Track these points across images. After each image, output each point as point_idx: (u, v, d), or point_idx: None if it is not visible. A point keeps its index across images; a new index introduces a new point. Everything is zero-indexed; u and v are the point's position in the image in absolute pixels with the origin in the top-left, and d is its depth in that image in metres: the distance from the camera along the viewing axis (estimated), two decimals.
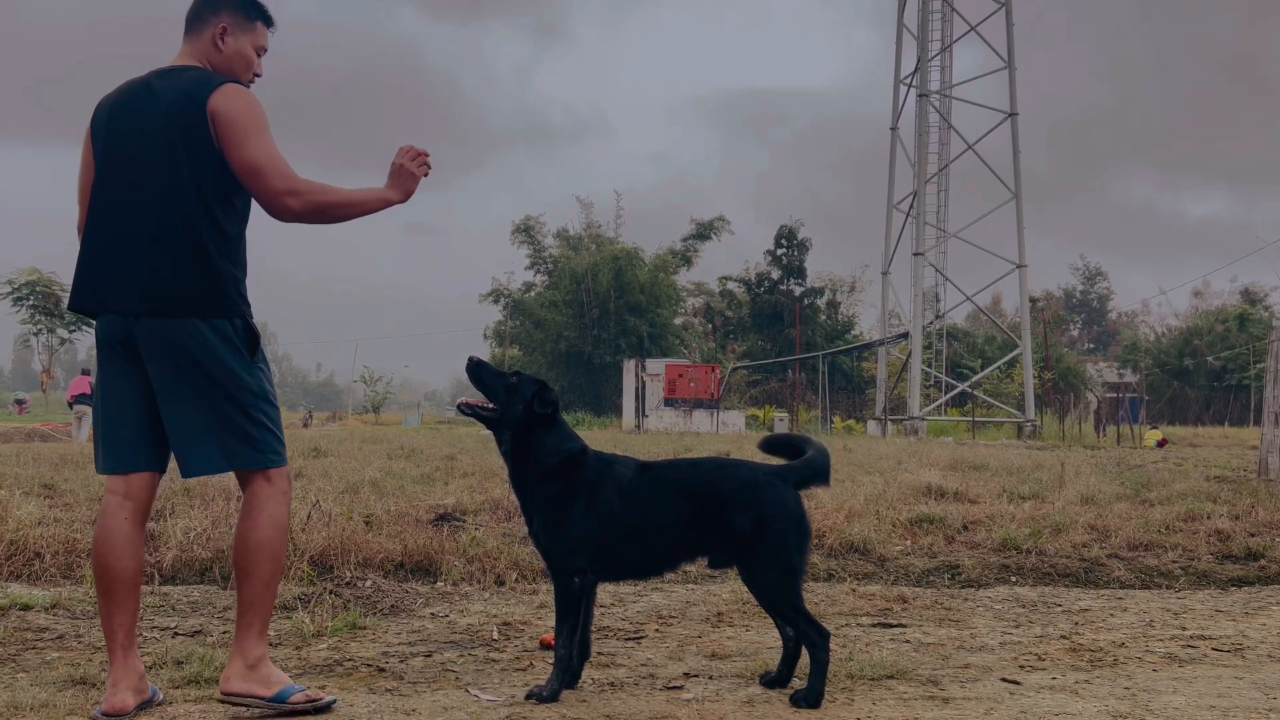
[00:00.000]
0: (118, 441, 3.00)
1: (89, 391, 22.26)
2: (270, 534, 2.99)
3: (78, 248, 3.06)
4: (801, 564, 3.17)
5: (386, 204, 3.09)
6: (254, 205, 3.07)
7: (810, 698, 3.03)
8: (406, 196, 3.12)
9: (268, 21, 3.19)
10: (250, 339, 3.02)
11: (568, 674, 3.14)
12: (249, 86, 3.12)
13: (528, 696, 3.09)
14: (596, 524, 3.16)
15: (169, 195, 2.92)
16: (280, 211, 2.95)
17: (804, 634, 3.10)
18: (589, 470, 3.23)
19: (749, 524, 3.11)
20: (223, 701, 2.93)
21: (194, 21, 3.11)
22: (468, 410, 3.31)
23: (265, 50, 3.20)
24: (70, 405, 22.76)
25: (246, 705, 2.91)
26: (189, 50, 3.11)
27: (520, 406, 3.24)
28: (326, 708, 2.96)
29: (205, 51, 3.09)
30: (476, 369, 3.31)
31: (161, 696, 3.02)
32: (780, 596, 3.12)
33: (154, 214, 2.93)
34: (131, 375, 2.97)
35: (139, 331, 2.92)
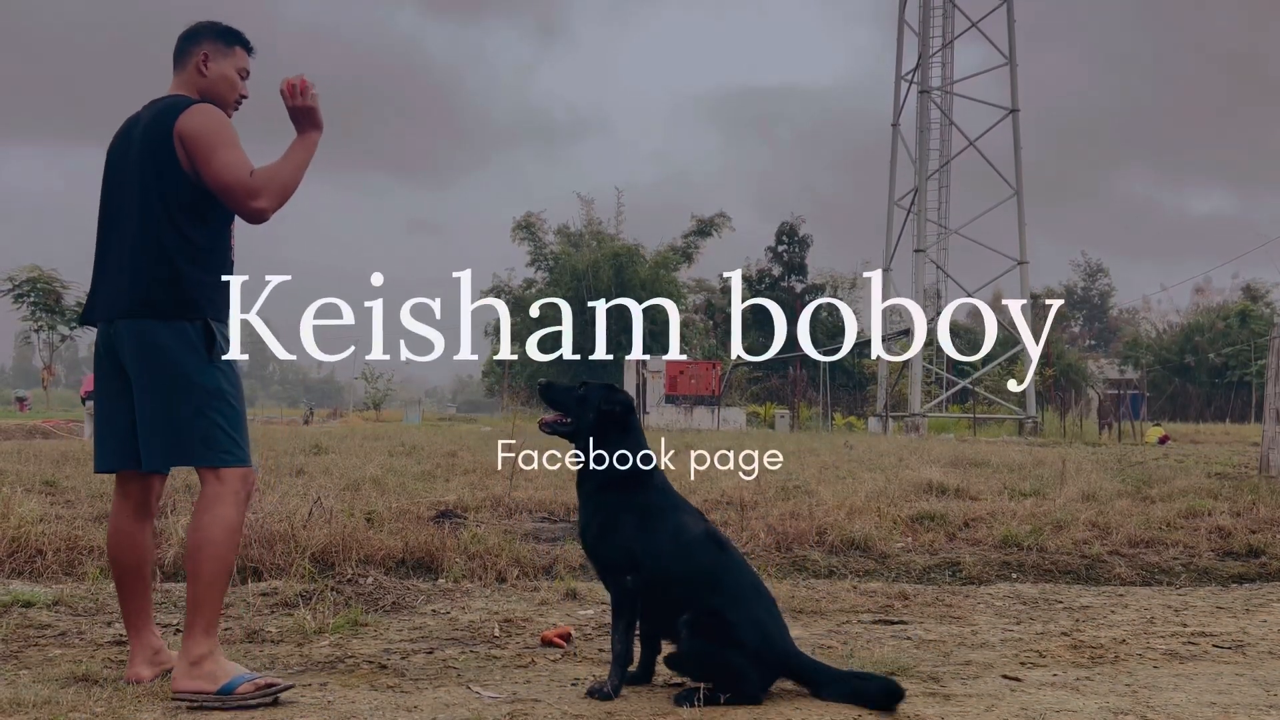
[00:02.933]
0: (106, 442, 3.24)
1: None
2: (216, 534, 3.04)
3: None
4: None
5: (315, 144, 3.28)
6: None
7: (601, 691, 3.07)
8: (321, 125, 3.30)
9: (246, 46, 3.41)
10: (209, 340, 3.13)
11: (625, 670, 3.15)
12: (237, 106, 3.37)
13: (589, 694, 3.09)
14: (643, 546, 3.15)
15: (144, 213, 3.14)
16: (255, 218, 3.17)
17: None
18: (655, 494, 3.26)
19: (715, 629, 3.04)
20: (175, 699, 2.93)
21: (180, 55, 3.34)
22: (548, 429, 3.36)
23: (248, 73, 3.42)
24: (83, 401, 22.94)
25: (197, 702, 2.92)
26: (178, 81, 3.33)
27: (592, 414, 3.28)
28: (279, 693, 2.97)
29: (191, 79, 3.31)
30: (547, 390, 3.37)
31: None
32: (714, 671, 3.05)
33: (132, 231, 3.17)
34: (116, 379, 3.20)
35: (116, 335, 3.15)
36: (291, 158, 3.23)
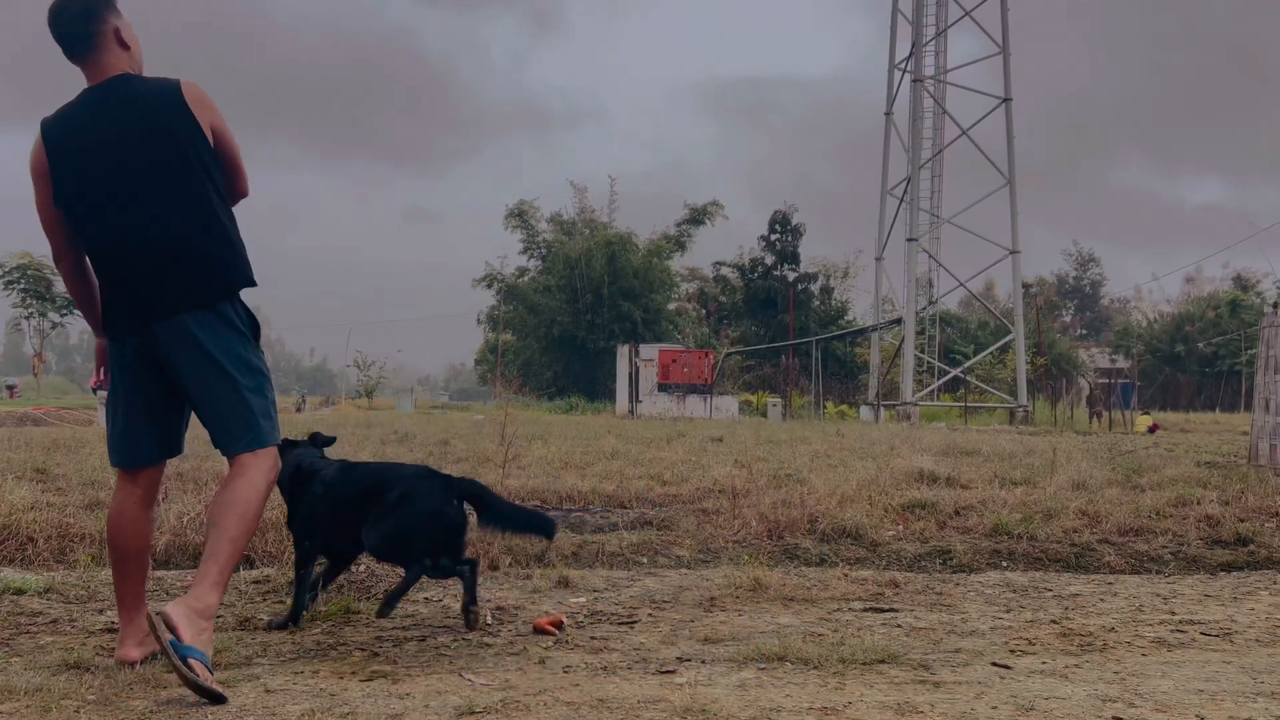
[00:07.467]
0: (131, 441, 3.21)
1: None
2: (245, 495, 3.11)
3: None
4: (415, 535, 3.65)
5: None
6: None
7: (387, 603, 3.67)
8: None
9: None
10: (251, 318, 3.20)
11: (299, 611, 3.78)
12: None
13: (269, 626, 3.74)
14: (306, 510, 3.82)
15: (189, 201, 3.09)
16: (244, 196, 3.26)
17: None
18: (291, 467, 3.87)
19: (389, 502, 3.63)
20: (149, 618, 2.83)
21: (84, 39, 3.02)
22: None
23: None
24: (94, 391, 22.89)
25: (162, 636, 2.79)
26: (101, 68, 3.05)
27: None
28: (203, 695, 2.76)
29: (117, 56, 3.07)
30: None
31: None
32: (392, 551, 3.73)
33: (174, 223, 3.08)
34: (145, 382, 3.15)
35: (155, 339, 3.07)
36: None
